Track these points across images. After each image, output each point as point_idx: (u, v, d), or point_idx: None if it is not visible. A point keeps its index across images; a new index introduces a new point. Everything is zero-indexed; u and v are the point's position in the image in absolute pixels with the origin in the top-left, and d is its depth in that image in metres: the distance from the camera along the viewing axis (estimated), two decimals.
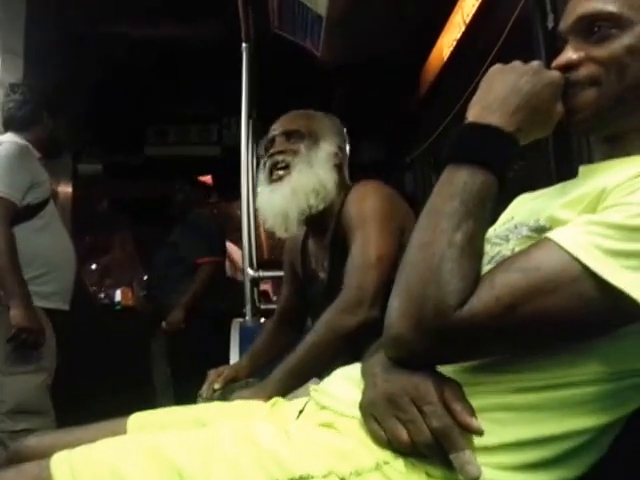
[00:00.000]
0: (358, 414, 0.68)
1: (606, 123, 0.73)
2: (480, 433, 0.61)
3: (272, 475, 0.62)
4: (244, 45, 2.56)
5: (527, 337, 0.62)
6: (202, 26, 3.09)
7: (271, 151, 1.40)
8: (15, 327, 1.80)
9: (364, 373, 0.73)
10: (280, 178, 1.36)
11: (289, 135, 1.39)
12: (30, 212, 1.94)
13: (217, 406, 1.03)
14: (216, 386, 1.35)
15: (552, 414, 0.64)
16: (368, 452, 0.64)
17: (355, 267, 1.21)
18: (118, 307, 3.88)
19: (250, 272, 2.33)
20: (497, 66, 0.72)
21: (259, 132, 2.58)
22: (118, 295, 3.95)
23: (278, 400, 0.99)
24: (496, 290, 0.60)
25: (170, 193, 3.16)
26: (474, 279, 0.61)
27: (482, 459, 0.61)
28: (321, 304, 1.29)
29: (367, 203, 1.28)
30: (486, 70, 0.73)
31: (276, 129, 1.42)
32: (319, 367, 1.13)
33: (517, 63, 0.71)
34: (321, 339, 1.17)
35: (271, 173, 1.38)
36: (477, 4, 2.30)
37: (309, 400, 0.84)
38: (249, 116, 2.51)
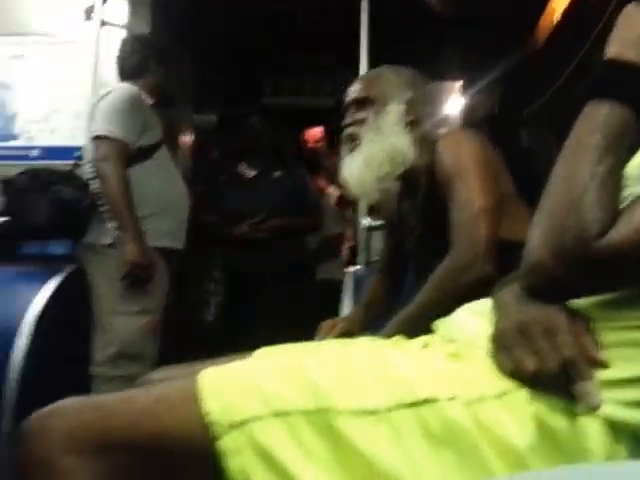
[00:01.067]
0: (485, 345, 0.71)
1: None
2: (606, 366, 0.63)
3: (398, 394, 0.66)
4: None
5: None
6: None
7: (343, 124, 1.40)
8: (128, 262, 1.91)
9: (496, 305, 0.75)
10: (353, 150, 1.36)
11: (358, 104, 1.38)
12: (143, 154, 2.06)
13: (341, 341, 1.09)
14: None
15: None
16: (493, 381, 0.67)
17: (462, 223, 1.17)
18: None
19: (364, 221, 2.39)
20: (634, 3, 0.72)
21: None
22: None
23: (399, 338, 1.01)
24: (635, 223, 0.61)
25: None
26: (614, 212, 0.63)
27: (604, 393, 0.63)
28: (417, 260, 1.30)
29: (461, 153, 1.24)
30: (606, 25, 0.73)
31: (347, 99, 1.41)
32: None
33: None
34: (435, 298, 1.16)
35: (348, 146, 1.39)
36: None
37: (432, 335, 0.87)
38: (368, 66, 2.52)
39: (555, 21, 2.53)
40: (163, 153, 2.16)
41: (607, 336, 0.65)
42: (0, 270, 2.17)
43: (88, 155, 2.12)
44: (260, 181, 3.02)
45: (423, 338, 0.90)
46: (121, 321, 1.99)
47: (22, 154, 2.69)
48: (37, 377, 1.83)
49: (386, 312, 1.40)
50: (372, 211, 2.37)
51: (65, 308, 1.99)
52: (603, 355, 0.63)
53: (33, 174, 2.07)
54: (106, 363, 1.98)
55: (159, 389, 0.72)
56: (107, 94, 2.09)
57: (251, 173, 3.06)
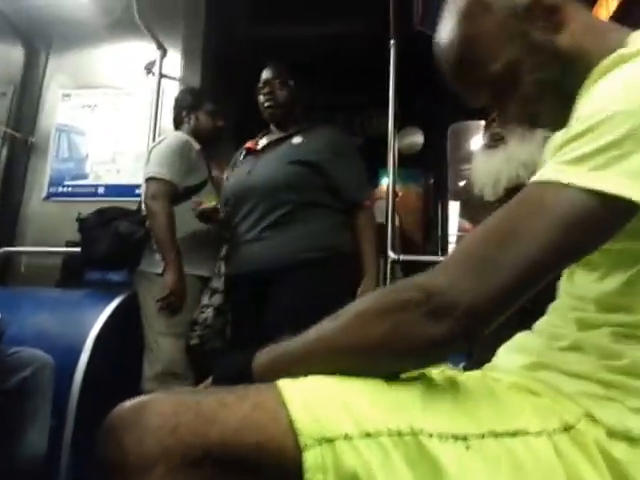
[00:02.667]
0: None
1: None
2: None
3: (487, 423, 0.62)
4: (392, 41, 2.76)
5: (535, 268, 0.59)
6: (347, 23, 3.31)
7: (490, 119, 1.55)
8: (166, 289, 2.09)
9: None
10: (496, 146, 1.50)
11: None
12: (189, 193, 2.29)
13: None
14: None
15: None
16: (555, 414, 0.65)
17: None
18: None
19: (391, 255, 2.49)
20: None
21: (399, 123, 2.78)
22: None
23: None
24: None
25: None
26: None
27: None
28: None
29: None
30: None
31: None
32: None
33: None
34: None
35: (489, 142, 1.53)
36: None
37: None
38: (395, 108, 2.68)
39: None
40: (207, 190, 2.38)
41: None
42: (70, 294, 2.50)
43: (143, 194, 2.40)
44: None
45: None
46: (166, 342, 2.16)
47: (91, 191, 3.05)
48: (97, 389, 2.04)
49: None
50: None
51: (121, 328, 2.25)
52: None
53: (99, 211, 2.36)
54: (154, 380, 2.14)
55: (251, 394, 0.62)
56: (160, 141, 2.37)
57: None
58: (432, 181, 4.79)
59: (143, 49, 3.13)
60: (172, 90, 3.09)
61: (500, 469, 0.59)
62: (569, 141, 0.61)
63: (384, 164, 2.68)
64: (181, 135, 2.40)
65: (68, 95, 3.23)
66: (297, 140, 2.07)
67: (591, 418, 0.64)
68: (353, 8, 3.12)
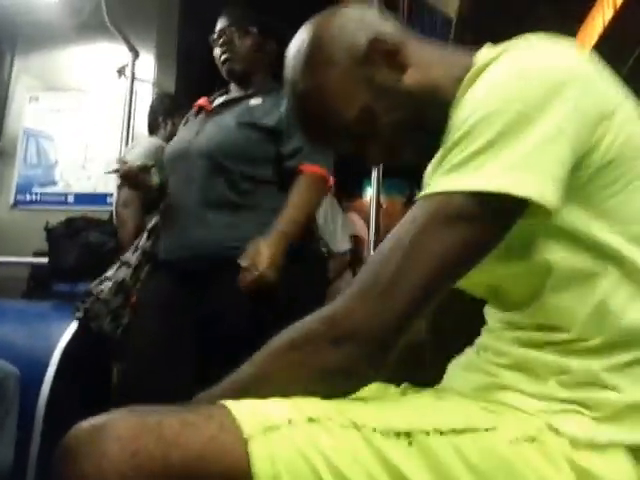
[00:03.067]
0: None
1: None
2: None
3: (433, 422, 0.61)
4: None
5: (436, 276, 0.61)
6: None
7: None
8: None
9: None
10: None
11: None
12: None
13: None
14: None
15: None
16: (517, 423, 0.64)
17: None
18: None
19: None
20: None
21: None
22: None
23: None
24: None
25: None
26: None
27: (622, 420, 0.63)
28: None
29: None
30: None
31: None
32: None
33: None
34: None
35: None
36: None
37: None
38: None
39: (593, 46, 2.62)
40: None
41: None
42: (36, 305, 2.42)
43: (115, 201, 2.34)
44: None
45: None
46: None
47: (60, 199, 2.97)
48: (64, 402, 1.97)
49: None
50: None
51: (89, 340, 2.17)
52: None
53: (68, 220, 2.30)
54: None
55: (216, 413, 0.59)
56: (134, 147, 2.32)
57: None
58: (417, 191, 4.77)
59: (114, 51, 3.03)
60: (145, 93, 3.01)
61: (446, 464, 0.58)
62: (448, 150, 0.62)
63: (368, 174, 2.63)
64: (155, 141, 2.35)
65: (35, 98, 3.13)
66: (256, 101, 1.70)
67: (553, 430, 0.62)
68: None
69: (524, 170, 0.58)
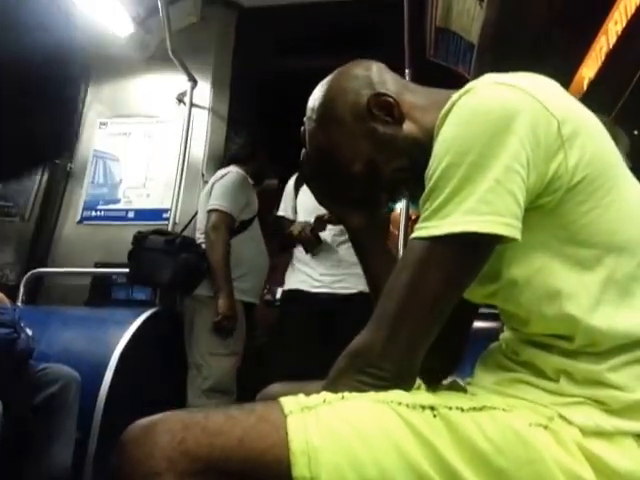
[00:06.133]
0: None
1: None
2: None
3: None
4: (407, 71, 2.87)
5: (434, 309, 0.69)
6: (366, 55, 3.44)
7: None
8: (220, 314, 2.29)
9: None
10: None
11: None
12: (242, 226, 2.50)
13: None
14: None
15: None
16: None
17: None
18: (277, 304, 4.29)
19: None
20: None
21: None
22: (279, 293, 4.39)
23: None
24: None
25: None
26: None
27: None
28: None
29: None
30: None
31: None
32: None
33: None
34: None
35: None
36: None
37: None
38: None
39: (585, 87, 2.65)
40: (255, 225, 2.59)
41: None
42: (96, 312, 2.62)
43: (202, 225, 2.52)
44: None
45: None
46: (216, 360, 2.34)
47: (122, 215, 3.18)
48: (120, 404, 2.10)
49: None
50: None
51: (146, 344, 2.32)
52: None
53: (166, 239, 2.47)
54: (202, 395, 2.30)
55: (258, 408, 0.68)
56: (223, 176, 2.53)
57: None
58: None
59: (175, 80, 3.28)
60: (201, 118, 3.23)
61: (467, 435, 0.65)
62: (425, 199, 0.71)
63: None
64: (240, 171, 2.57)
65: (105, 123, 3.40)
66: None
67: (564, 419, 0.68)
68: (370, 40, 3.24)
69: (482, 211, 0.66)
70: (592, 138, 0.72)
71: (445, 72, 3.01)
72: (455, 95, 0.73)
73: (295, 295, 2.38)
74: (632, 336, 0.69)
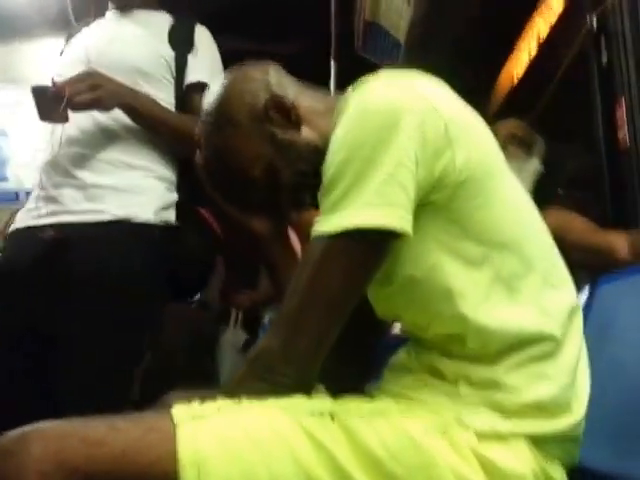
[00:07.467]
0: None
1: None
2: None
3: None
4: (332, 62, 2.80)
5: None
6: (291, 44, 3.37)
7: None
8: None
9: None
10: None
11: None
12: None
13: None
14: None
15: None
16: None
17: None
18: None
19: None
20: None
21: None
22: None
23: None
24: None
25: None
26: None
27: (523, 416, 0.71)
28: None
29: None
30: None
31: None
32: None
33: None
34: None
35: None
36: None
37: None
38: None
39: (515, 82, 2.77)
40: None
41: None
42: None
43: None
44: None
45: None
46: None
47: (12, 197, 2.88)
48: None
49: None
50: None
51: None
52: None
53: None
54: None
55: (147, 418, 0.66)
56: None
57: None
58: None
59: None
60: None
61: (363, 439, 0.65)
62: (323, 194, 0.72)
63: None
64: None
65: None
66: None
67: (461, 424, 0.69)
68: (298, 30, 3.16)
69: (375, 206, 0.68)
70: (479, 139, 0.76)
71: (372, 67, 3.00)
72: (349, 90, 0.77)
73: None
74: (520, 335, 0.71)
